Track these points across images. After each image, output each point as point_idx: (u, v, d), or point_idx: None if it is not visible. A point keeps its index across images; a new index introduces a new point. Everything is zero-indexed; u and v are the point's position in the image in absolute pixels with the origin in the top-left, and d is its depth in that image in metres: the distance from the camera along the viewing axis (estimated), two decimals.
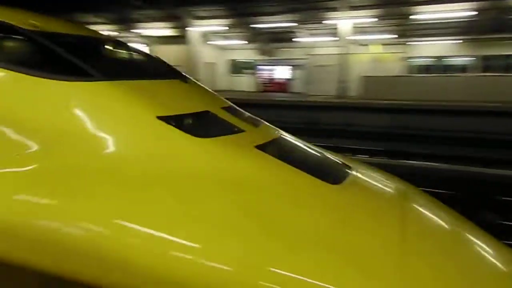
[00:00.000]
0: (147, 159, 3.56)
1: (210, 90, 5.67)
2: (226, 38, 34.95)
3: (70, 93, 3.87)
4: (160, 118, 3.86)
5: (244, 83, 37.24)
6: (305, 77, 33.70)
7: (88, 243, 2.99)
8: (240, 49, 36.65)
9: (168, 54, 36.87)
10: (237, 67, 38.20)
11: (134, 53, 5.67)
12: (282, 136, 4.93)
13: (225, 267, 2.80)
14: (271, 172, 3.77)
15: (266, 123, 5.26)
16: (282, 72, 34.79)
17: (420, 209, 4.04)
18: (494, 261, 3.49)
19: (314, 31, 30.76)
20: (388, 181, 4.53)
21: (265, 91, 34.85)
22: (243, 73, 37.75)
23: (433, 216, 3.94)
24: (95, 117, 3.80)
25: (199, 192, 3.30)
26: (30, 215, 3.15)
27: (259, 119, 5.31)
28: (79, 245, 2.99)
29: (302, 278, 2.74)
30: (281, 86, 34.71)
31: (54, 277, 2.98)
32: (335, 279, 2.75)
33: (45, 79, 3.89)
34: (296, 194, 3.56)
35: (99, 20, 34.59)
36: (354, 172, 4.40)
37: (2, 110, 3.76)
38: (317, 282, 2.73)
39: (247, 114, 5.26)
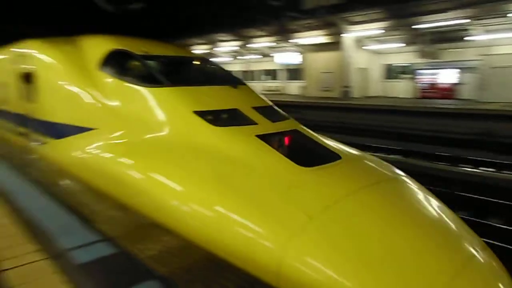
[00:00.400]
0: (182, 137, 6.91)
1: (257, 94, 8.63)
2: (381, 42, 33.95)
3: (147, 95, 7.59)
4: (195, 112, 7.13)
5: (400, 88, 35.25)
6: (478, 81, 29.24)
7: (147, 184, 6.29)
8: (396, 52, 34.78)
9: (319, 61, 36.69)
10: (393, 72, 36.43)
11: (208, 66, 9.46)
12: (294, 130, 7.41)
13: (205, 200, 5.81)
14: (253, 152, 6.48)
15: (290, 119, 7.86)
16: (447, 76, 31.55)
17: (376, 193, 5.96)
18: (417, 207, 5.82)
19: (491, 27, 27.11)
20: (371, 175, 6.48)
21: (424, 97, 32.31)
22: (399, 78, 35.86)
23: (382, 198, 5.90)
24: (157, 109, 7.37)
25: (202, 160, 6.40)
26: (126, 168, 6.68)
27: (286, 116, 8.00)
28: (143, 185, 6.27)
29: (233, 214, 5.49)
30: (446, 91, 31.61)
31: (131, 207, 6.26)
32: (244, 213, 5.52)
33: (138, 86, 7.66)
34: (260, 167, 6.16)
35: (259, 33, 35.81)
36: (339, 163, 6.63)
37: (116, 107, 7.55)
38: (239, 217, 5.43)
39: (278, 112, 8.06)
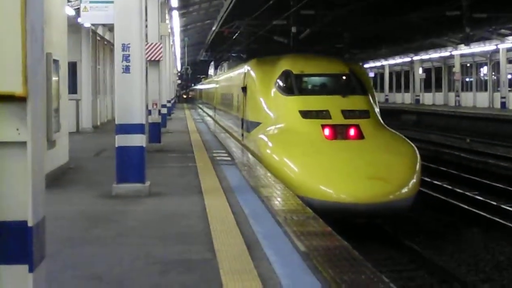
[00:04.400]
0: (290, 124, 14.48)
1: (359, 99, 15.19)
2: None
3: (283, 101, 15.47)
4: (299, 111, 14.56)
5: None
6: None
7: (280, 164, 13.07)
8: None
9: None
10: None
11: (342, 79, 16.20)
12: (354, 124, 13.95)
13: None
14: (310, 132, 13.78)
15: (362, 119, 14.27)
16: None
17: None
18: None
19: None
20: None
21: None
22: None
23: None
24: (284, 109, 15.16)
25: (296, 137, 13.79)
26: (270, 144, 14.29)
27: (364, 116, 14.49)
28: (277, 165, 13.08)
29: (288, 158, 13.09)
30: None
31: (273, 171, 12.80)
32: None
33: (281, 95, 15.63)
34: (309, 140, 13.55)
35: None
36: (359, 141, 13.73)
37: (271, 108, 15.89)
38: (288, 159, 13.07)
39: (359, 113, 14.49)
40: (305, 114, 14.41)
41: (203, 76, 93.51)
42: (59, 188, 10.92)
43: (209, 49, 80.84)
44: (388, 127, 15.18)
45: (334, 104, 14.66)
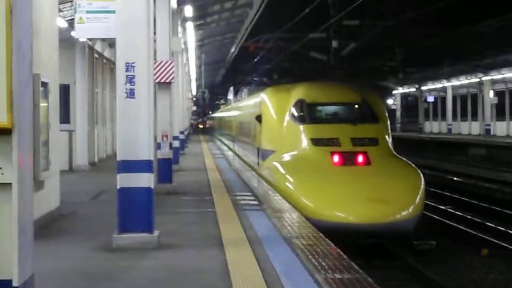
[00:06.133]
0: (301, 155, 18.51)
1: (371, 127, 19.36)
2: None
3: (296, 130, 19.45)
4: (311, 138, 18.60)
5: None
6: None
7: (290, 189, 16.86)
8: None
9: None
10: None
11: (354, 108, 20.43)
12: (362, 151, 17.79)
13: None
14: (318, 159, 17.72)
15: (371, 146, 18.26)
16: None
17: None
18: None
19: None
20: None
21: None
22: None
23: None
24: (296, 137, 19.12)
25: (307, 163, 17.91)
26: (282, 171, 18.17)
27: (374, 143, 18.48)
28: (288, 190, 16.81)
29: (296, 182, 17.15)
30: None
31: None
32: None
33: (295, 123, 19.65)
34: (318, 166, 17.54)
35: None
36: (366, 167, 17.42)
37: (284, 136, 19.99)
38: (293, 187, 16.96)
39: (368, 141, 18.44)
40: (316, 141, 18.39)
41: (223, 101, 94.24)
42: (48, 239, 10.93)
43: (231, 68, 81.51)
44: (397, 155, 19.25)
45: (344, 132, 18.65)
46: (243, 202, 15.44)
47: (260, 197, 16.41)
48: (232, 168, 25.70)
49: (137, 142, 10.17)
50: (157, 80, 18.87)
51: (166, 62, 19.76)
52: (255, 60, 61.18)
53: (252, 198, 16.20)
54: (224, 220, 12.71)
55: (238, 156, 34.18)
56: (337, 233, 13.51)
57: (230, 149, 42.36)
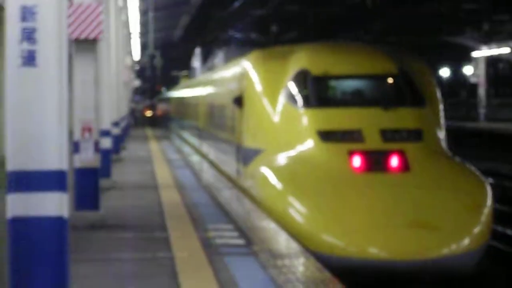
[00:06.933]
0: (303, 157, 19.91)
1: (414, 116, 20.25)
2: None
3: (296, 117, 21.09)
4: (318, 131, 19.97)
5: None
6: None
7: (287, 210, 18.05)
8: None
9: None
10: None
11: (385, 84, 21.95)
12: (397, 150, 18.61)
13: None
14: (333, 159, 19.12)
15: (409, 143, 19.12)
16: None
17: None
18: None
19: None
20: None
21: None
22: None
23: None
24: (301, 131, 20.64)
25: (309, 173, 19.31)
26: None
27: (414, 138, 19.48)
28: (284, 211, 18.04)
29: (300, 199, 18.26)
30: None
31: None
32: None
33: (294, 108, 21.27)
34: (328, 172, 18.89)
35: None
36: (402, 174, 18.53)
37: (275, 128, 21.74)
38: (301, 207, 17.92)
39: (406, 135, 19.50)
40: (327, 136, 19.41)
41: (184, 72, 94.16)
42: None
43: (199, 15, 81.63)
44: (453, 156, 20.19)
45: (370, 120, 19.61)
46: (219, 241, 15.52)
47: (249, 232, 16.37)
48: (202, 184, 25.73)
49: (39, 141, 9.99)
50: (73, 36, 18.81)
51: (89, 6, 19.59)
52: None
53: (235, 234, 16.29)
54: (187, 272, 12.74)
55: (209, 161, 35.31)
56: (361, 274, 14.98)
57: (197, 150, 43.45)
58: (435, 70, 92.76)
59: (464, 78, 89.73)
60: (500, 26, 66.79)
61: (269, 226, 17.01)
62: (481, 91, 77.75)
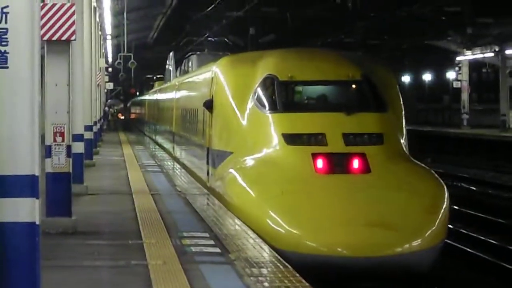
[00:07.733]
0: (269, 159, 21.47)
1: (376, 121, 21.75)
2: None
3: (262, 121, 22.48)
4: (283, 134, 21.44)
5: None
6: None
7: (252, 210, 19.51)
8: None
9: None
10: None
11: (350, 89, 23.78)
12: (358, 153, 20.16)
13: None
14: (297, 161, 20.58)
15: (370, 147, 20.66)
16: None
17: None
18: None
19: None
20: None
21: None
22: None
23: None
24: (267, 134, 22.16)
25: (273, 175, 20.64)
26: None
27: (375, 142, 20.99)
28: (250, 211, 19.47)
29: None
30: None
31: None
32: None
33: (261, 112, 22.66)
34: (292, 174, 20.26)
35: None
36: (363, 175, 20.05)
37: (243, 131, 23.33)
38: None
39: (366, 138, 21.06)
40: (291, 139, 20.87)
41: (158, 76, 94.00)
42: None
43: (173, 17, 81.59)
44: (413, 159, 21.58)
45: (333, 124, 21.08)
46: (195, 249, 15.57)
47: (225, 240, 16.47)
48: (177, 190, 25.80)
49: (11, 144, 10.06)
50: (46, 37, 18.77)
51: (62, 6, 19.54)
52: (217, 2, 61.29)
53: (211, 242, 16.34)
54: (162, 280, 12.73)
55: (182, 165, 37.04)
56: (320, 271, 15.76)
57: (170, 154, 44.97)
58: (418, 74, 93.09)
59: (447, 82, 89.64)
60: (485, 29, 66.76)
61: (246, 234, 17.03)
62: (465, 96, 77.93)
